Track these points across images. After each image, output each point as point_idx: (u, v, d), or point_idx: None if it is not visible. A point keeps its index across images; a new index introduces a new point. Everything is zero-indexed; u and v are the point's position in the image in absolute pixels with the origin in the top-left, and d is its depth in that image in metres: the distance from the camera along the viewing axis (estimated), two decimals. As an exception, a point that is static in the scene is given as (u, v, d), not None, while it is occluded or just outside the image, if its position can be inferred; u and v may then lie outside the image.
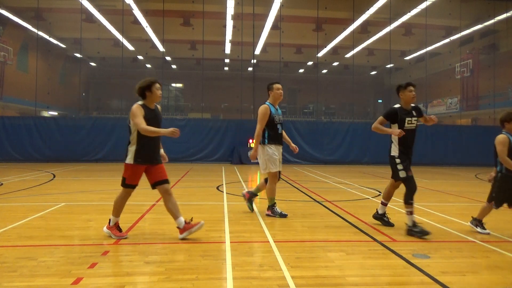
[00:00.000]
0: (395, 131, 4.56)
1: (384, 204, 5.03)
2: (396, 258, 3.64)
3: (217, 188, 8.77)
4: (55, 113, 27.65)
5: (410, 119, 4.67)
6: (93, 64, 31.72)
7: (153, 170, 4.16)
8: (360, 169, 15.73)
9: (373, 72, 34.10)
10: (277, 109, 5.53)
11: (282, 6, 20.83)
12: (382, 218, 5.04)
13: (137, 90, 4.05)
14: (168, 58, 30.62)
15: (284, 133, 5.66)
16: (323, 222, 5.27)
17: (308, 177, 11.84)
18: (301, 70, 34.91)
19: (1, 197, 6.99)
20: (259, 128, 5.36)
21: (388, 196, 5.04)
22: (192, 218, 4.27)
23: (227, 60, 31.44)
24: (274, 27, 23.00)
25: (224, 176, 11.59)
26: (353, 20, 21.93)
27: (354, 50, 24.33)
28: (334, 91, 30.85)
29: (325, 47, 27.13)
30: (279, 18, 21.99)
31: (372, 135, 18.96)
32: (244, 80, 22.89)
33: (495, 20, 22.24)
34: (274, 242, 4.13)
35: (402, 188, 4.80)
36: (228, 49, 27.61)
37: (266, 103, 5.50)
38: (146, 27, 23.58)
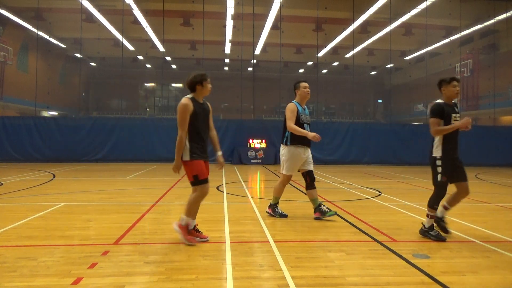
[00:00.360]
0: (463, 122, 4.19)
1: (445, 208, 4.59)
2: (396, 258, 3.63)
3: (217, 188, 8.77)
4: (55, 113, 27.66)
5: (455, 115, 4.35)
6: (93, 64, 31.73)
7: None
8: (360, 169, 15.73)
9: (373, 72, 34.10)
10: (304, 109, 5.34)
11: (282, 6, 20.84)
12: (439, 222, 4.56)
13: (188, 83, 3.99)
14: (168, 58, 30.63)
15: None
16: (323, 222, 5.26)
17: (308, 177, 11.83)
18: (301, 70, 34.92)
19: (1, 197, 6.99)
20: (290, 124, 5.13)
21: (452, 201, 4.58)
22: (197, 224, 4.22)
23: (227, 60, 31.46)
24: (274, 27, 23.01)
25: (224, 176, 11.59)
26: (353, 20, 21.94)
27: (354, 50, 24.34)
28: (334, 91, 30.87)
29: (325, 47, 27.15)
30: (279, 18, 22.00)
31: (372, 135, 19.13)
32: (244, 80, 22.91)
33: (495, 20, 22.25)
34: (274, 242, 4.12)
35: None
36: (228, 49, 27.62)
37: (293, 101, 5.31)
38: (146, 27, 23.59)
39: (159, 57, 27.19)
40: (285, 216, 5.42)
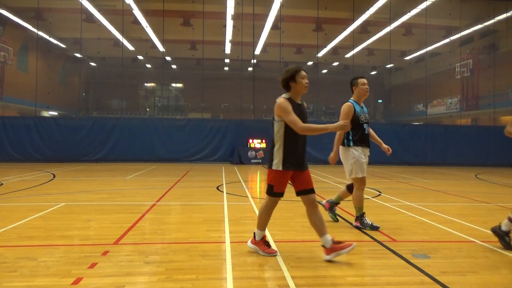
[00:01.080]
0: None
1: (510, 220, 3.98)
2: (396, 258, 3.63)
3: (217, 188, 8.77)
4: (55, 113, 27.64)
5: None
6: (93, 64, 31.72)
7: (300, 177, 3.59)
8: (360, 169, 15.71)
9: (373, 72, 34.08)
10: (362, 107, 4.92)
11: (282, 6, 20.83)
12: (503, 237, 4.03)
13: (281, 82, 3.58)
14: (168, 58, 30.62)
15: (373, 132, 5.06)
16: (323, 222, 5.26)
17: (308, 177, 11.83)
18: (301, 70, 34.87)
19: (1, 197, 6.99)
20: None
21: None
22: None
23: (227, 60, 31.45)
24: (274, 27, 23.00)
25: (224, 176, 11.59)
26: (353, 20, 21.93)
27: (354, 50, 24.34)
28: (334, 91, 30.80)
29: (325, 47, 27.14)
30: (279, 18, 22.00)
31: (372, 135, 19.04)
32: (244, 80, 22.90)
33: (495, 20, 22.25)
34: (274, 242, 4.13)
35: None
36: (228, 49, 27.62)
37: (350, 100, 4.88)
38: (146, 27, 23.59)
39: (159, 57, 27.19)
40: (377, 228, 4.75)
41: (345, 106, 4.79)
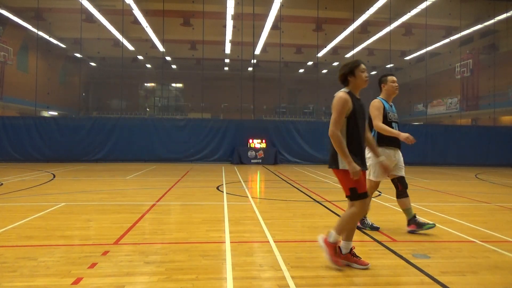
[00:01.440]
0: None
1: None
2: (396, 258, 3.63)
3: (217, 188, 8.77)
4: (55, 113, 27.65)
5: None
6: (93, 64, 31.73)
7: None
8: (360, 169, 15.71)
9: (373, 72, 34.03)
10: (391, 106, 4.71)
11: (282, 6, 20.84)
12: None
13: (339, 77, 3.41)
14: (168, 58, 30.63)
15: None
16: (323, 222, 5.27)
17: (308, 177, 11.84)
18: (301, 70, 34.92)
19: (1, 197, 6.99)
20: (377, 123, 4.45)
21: None
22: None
23: (227, 60, 31.46)
24: (274, 27, 23.01)
25: (224, 176, 11.59)
26: (353, 20, 21.94)
27: (354, 50, 24.34)
28: (334, 91, 30.69)
29: (325, 47, 27.14)
30: (279, 18, 22.00)
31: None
32: (244, 80, 22.90)
33: (495, 20, 22.26)
34: (274, 242, 4.12)
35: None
36: (228, 49, 27.62)
37: (378, 98, 4.65)
38: (146, 27, 23.59)
39: (159, 57, 27.20)
40: (377, 228, 4.74)
41: (374, 102, 4.58)
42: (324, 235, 3.41)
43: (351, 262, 3.31)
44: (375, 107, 4.53)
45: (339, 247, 3.32)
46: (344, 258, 3.32)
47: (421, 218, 4.84)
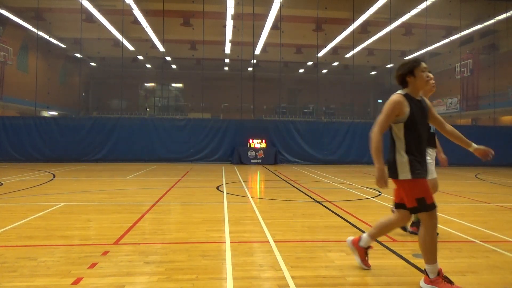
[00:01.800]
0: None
1: None
2: (396, 258, 3.63)
3: (217, 188, 8.77)
4: (55, 113, 27.66)
5: None
6: (93, 64, 31.75)
7: None
8: (360, 169, 15.73)
9: (373, 72, 34.11)
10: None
11: (282, 6, 20.84)
12: None
13: (396, 77, 3.12)
14: (168, 58, 30.64)
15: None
16: (323, 222, 5.27)
17: (308, 177, 11.84)
18: (301, 70, 34.93)
19: (1, 197, 6.99)
20: None
21: None
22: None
23: (227, 60, 31.47)
24: (274, 27, 23.01)
25: (224, 176, 11.59)
26: (353, 20, 21.94)
27: (354, 50, 24.34)
28: (334, 91, 30.89)
29: (325, 47, 27.15)
30: (279, 18, 22.00)
31: (372, 135, 19.06)
32: (244, 80, 22.89)
33: (495, 20, 22.25)
34: (274, 242, 4.12)
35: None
36: (228, 49, 27.63)
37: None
38: (146, 27, 23.60)
39: (159, 57, 27.20)
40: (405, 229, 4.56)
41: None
42: (353, 237, 3.35)
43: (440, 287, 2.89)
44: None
45: (431, 272, 2.93)
46: (430, 283, 2.92)
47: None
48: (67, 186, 8.84)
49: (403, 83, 3.09)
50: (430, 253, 2.88)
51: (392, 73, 30.56)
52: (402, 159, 2.93)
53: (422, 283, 2.97)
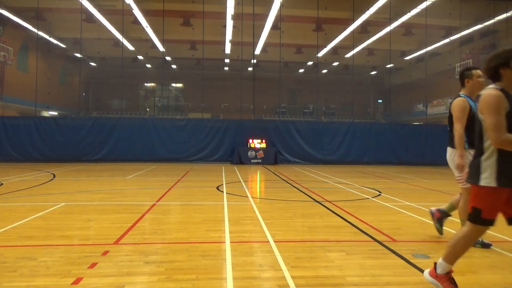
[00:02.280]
0: None
1: None
2: (396, 258, 3.64)
3: (217, 188, 8.77)
4: (55, 113, 27.65)
5: None
6: (93, 64, 31.73)
7: None
8: (360, 169, 15.73)
9: (373, 72, 34.09)
10: (475, 103, 4.28)
11: (282, 6, 20.83)
12: None
13: (487, 70, 2.69)
14: (168, 58, 30.62)
15: None
16: (323, 222, 5.27)
17: (308, 177, 11.84)
18: (301, 70, 34.92)
19: (1, 197, 6.99)
20: (459, 128, 3.96)
21: None
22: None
23: (227, 60, 31.46)
24: (274, 27, 23.00)
25: (224, 176, 11.59)
26: (353, 20, 21.93)
27: (354, 50, 24.33)
28: (334, 91, 30.88)
29: (325, 47, 27.14)
30: (279, 18, 22.00)
31: (371, 135, 19.15)
32: (244, 80, 22.89)
33: (495, 20, 22.25)
34: (274, 242, 4.13)
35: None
36: (228, 49, 27.62)
37: (461, 95, 4.08)
38: (146, 27, 23.59)
39: (159, 57, 27.19)
40: (489, 245, 4.09)
41: (459, 101, 4.00)
42: (430, 269, 2.88)
43: (444, 286, 2.75)
44: (460, 107, 3.99)
45: (449, 274, 2.78)
46: (435, 277, 2.80)
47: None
48: (67, 186, 8.84)
49: (495, 76, 2.64)
50: (453, 255, 2.75)
51: (392, 73, 30.64)
52: (492, 162, 2.61)
53: (426, 274, 2.88)
